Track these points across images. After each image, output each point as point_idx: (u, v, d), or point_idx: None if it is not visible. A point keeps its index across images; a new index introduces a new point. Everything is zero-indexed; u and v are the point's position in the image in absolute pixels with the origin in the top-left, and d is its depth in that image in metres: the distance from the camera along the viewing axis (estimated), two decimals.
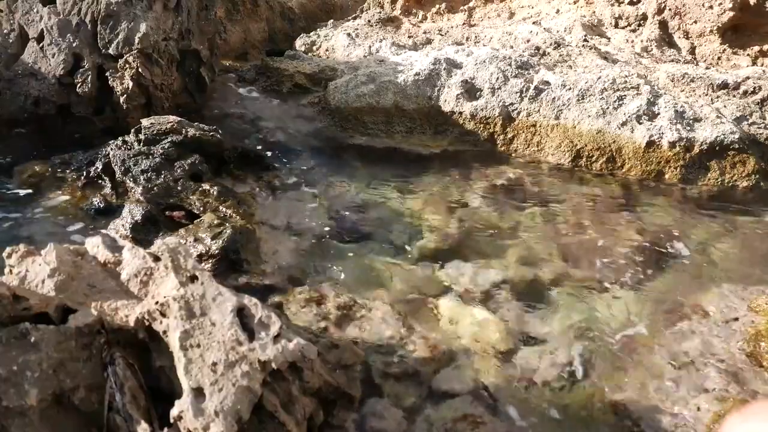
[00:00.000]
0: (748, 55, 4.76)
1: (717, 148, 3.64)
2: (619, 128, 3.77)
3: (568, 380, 2.16)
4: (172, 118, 3.34)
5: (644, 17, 5.07)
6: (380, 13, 5.78)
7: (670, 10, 4.97)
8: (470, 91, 4.11)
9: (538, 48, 4.67)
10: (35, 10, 3.65)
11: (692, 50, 4.91)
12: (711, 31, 4.80)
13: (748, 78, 4.09)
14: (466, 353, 2.25)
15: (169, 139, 3.20)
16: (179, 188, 3.00)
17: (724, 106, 3.92)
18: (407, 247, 2.93)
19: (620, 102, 3.84)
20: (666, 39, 4.99)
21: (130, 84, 3.56)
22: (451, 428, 1.92)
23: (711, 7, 4.77)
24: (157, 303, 1.61)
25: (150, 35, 3.59)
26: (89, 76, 3.56)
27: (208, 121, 3.60)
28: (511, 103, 4.01)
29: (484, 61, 4.22)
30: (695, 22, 4.89)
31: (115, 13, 3.59)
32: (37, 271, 1.72)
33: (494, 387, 2.10)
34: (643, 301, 2.62)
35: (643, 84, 3.94)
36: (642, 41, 4.93)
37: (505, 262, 2.86)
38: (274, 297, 2.47)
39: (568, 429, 1.98)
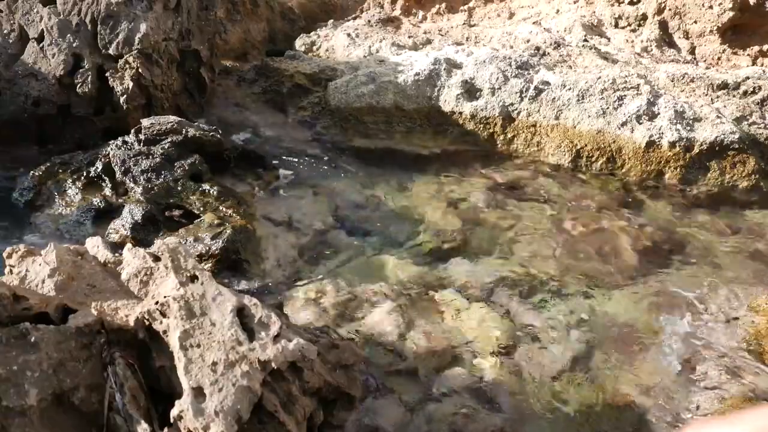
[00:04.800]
0: (748, 55, 4.76)
1: (717, 148, 3.64)
2: (619, 128, 3.77)
3: (568, 377, 2.16)
4: (172, 118, 3.34)
5: (644, 17, 5.07)
6: (380, 13, 5.77)
7: (670, 10, 4.96)
8: (470, 91, 4.11)
9: (538, 48, 4.67)
10: (35, 11, 3.65)
11: (692, 50, 4.91)
12: (711, 31, 4.80)
13: (748, 78, 4.09)
14: (466, 349, 2.25)
15: (169, 139, 3.19)
16: (179, 188, 3.00)
17: (724, 106, 3.92)
18: (408, 244, 2.93)
19: (620, 102, 3.84)
20: (666, 39, 4.99)
21: (130, 84, 3.56)
22: (452, 423, 1.92)
23: (711, 7, 4.77)
24: (157, 303, 1.61)
25: (150, 35, 3.59)
26: (89, 77, 3.55)
27: (208, 120, 3.60)
28: (511, 103, 4.01)
29: (484, 61, 4.22)
30: (695, 22, 4.89)
31: (115, 14, 3.59)
32: (37, 271, 1.72)
33: (495, 382, 2.10)
34: (643, 299, 2.62)
35: (643, 84, 3.94)
36: (642, 41, 4.93)
37: (505, 259, 2.86)
38: (274, 296, 2.47)
39: (568, 425, 1.98)
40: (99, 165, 3.15)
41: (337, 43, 5.26)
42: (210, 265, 2.57)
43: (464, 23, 5.60)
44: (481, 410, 1.97)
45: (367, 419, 1.89)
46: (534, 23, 5.25)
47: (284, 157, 3.73)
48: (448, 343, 2.27)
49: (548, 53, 4.62)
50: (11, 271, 1.76)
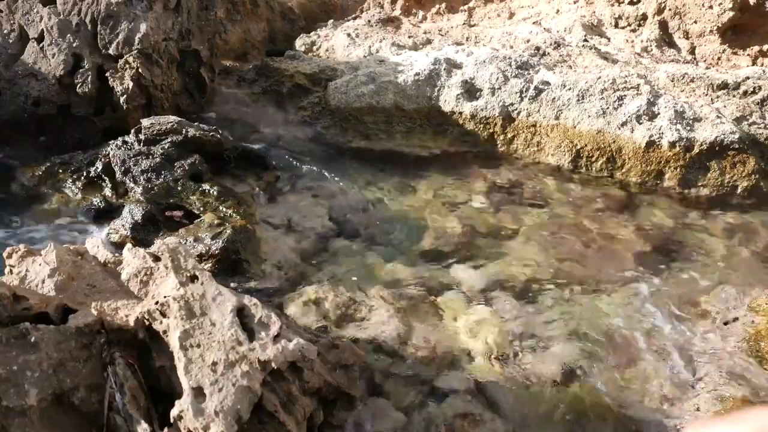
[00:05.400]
0: (748, 55, 4.76)
1: (717, 148, 3.63)
2: (619, 128, 3.77)
3: (567, 379, 2.16)
4: (172, 118, 3.34)
5: (644, 17, 5.07)
6: (380, 13, 5.77)
7: (670, 10, 4.96)
8: (470, 91, 4.11)
9: (538, 48, 4.66)
10: (35, 11, 3.65)
11: (692, 50, 4.91)
12: (711, 31, 4.80)
13: (748, 78, 4.09)
14: (465, 352, 2.25)
15: (169, 139, 3.19)
16: (179, 188, 3.00)
17: (724, 106, 3.92)
18: (407, 246, 2.93)
19: (620, 102, 3.84)
20: (666, 39, 4.99)
21: (130, 84, 3.56)
22: (451, 426, 1.92)
23: (711, 7, 4.77)
24: (157, 303, 1.61)
25: (150, 35, 3.59)
26: (89, 77, 3.55)
27: (208, 121, 3.60)
28: (511, 104, 4.01)
29: (484, 61, 4.22)
30: (695, 22, 4.89)
31: (115, 14, 3.59)
32: (37, 271, 1.72)
33: (493, 386, 2.10)
34: (643, 300, 2.62)
35: (643, 84, 3.93)
36: (642, 41, 4.93)
37: (504, 262, 2.86)
38: (274, 297, 2.47)
39: (567, 428, 1.98)
40: (99, 165, 3.16)
41: (337, 43, 5.26)
42: (210, 265, 2.57)
43: (464, 23, 5.60)
44: (480, 413, 1.97)
45: (366, 422, 1.89)
46: (534, 23, 5.25)
47: (284, 158, 3.72)
48: (447, 345, 2.27)
49: (548, 53, 4.62)
50: (11, 271, 1.76)
